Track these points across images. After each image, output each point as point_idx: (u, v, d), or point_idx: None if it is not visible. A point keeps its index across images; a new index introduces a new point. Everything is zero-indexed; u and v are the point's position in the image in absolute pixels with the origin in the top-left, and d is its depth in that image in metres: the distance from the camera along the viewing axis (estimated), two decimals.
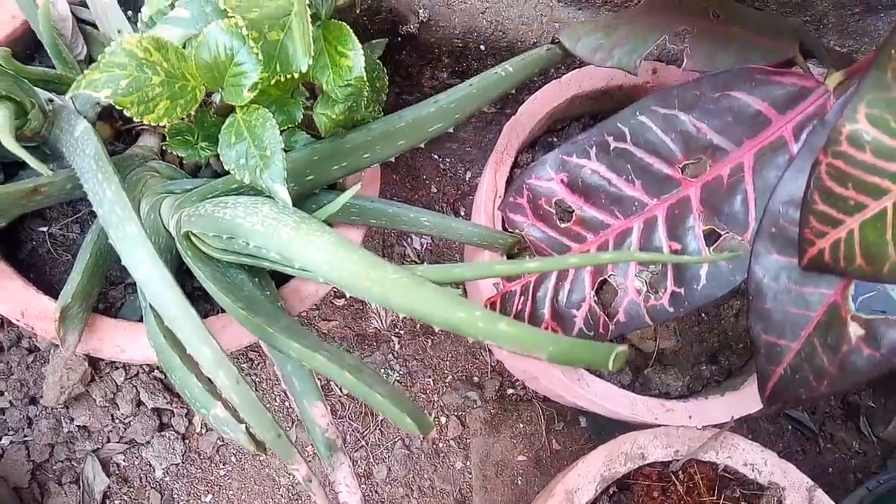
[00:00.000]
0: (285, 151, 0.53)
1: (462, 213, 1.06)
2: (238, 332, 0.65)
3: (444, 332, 0.99)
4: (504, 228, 0.75)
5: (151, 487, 0.89)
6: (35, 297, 0.63)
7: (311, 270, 0.46)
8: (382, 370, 0.98)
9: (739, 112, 0.61)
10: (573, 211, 0.69)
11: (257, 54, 0.52)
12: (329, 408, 0.67)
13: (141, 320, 0.63)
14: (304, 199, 0.66)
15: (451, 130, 0.68)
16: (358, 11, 0.73)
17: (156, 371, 0.90)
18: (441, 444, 0.97)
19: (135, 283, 0.68)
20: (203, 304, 0.69)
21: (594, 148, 0.67)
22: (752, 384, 0.77)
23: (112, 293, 0.69)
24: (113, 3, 0.67)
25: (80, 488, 0.86)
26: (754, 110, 0.60)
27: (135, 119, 0.52)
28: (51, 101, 0.62)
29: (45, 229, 0.69)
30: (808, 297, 0.55)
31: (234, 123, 0.55)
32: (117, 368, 0.88)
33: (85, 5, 0.69)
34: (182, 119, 0.56)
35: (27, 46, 0.72)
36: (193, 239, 0.58)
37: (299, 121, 0.60)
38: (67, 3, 0.68)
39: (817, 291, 0.55)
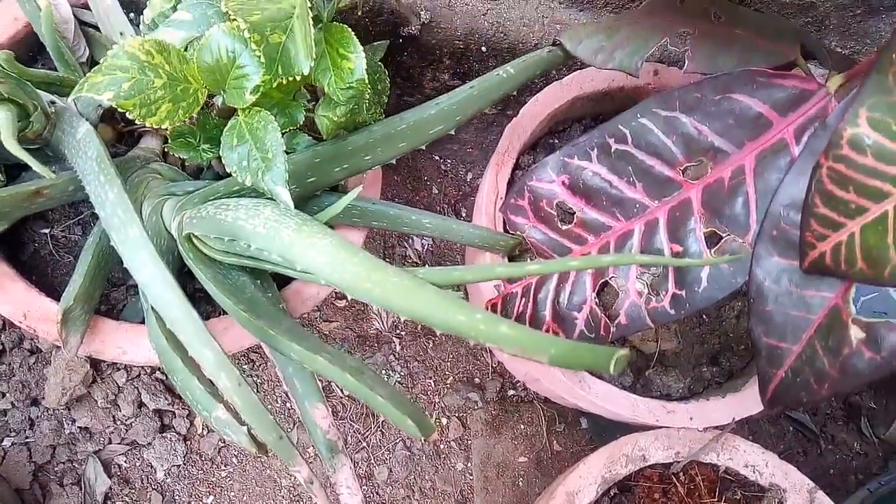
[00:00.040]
0: (287, 153, 0.53)
1: (463, 215, 1.06)
2: (239, 334, 0.65)
3: (446, 333, 1.00)
4: (505, 230, 0.75)
5: (153, 489, 0.89)
6: (37, 299, 0.63)
7: (312, 273, 0.46)
8: (383, 371, 0.98)
9: (741, 114, 0.61)
10: (574, 213, 0.69)
11: (259, 57, 0.52)
12: (330, 409, 0.67)
13: (143, 322, 0.63)
14: (306, 201, 0.67)
15: (452, 132, 0.68)
16: (359, 13, 0.73)
17: (157, 372, 0.90)
18: (442, 446, 0.97)
19: (136, 285, 0.68)
20: (205, 305, 0.69)
21: (595, 150, 0.67)
22: (753, 386, 0.77)
23: (114, 295, 0.69)
24: (115, 5, 0.68)
25: (81, 489, 0.87)
26: (755, 113, 0.60)
27: (137, 121, 0.52)
28: (53, 103, 0.62)
29: (47, 231, 0.69)
30: (809, 300, 0.55)
31: (235, 126, 0.55)
32: (119, 370, 0.88)
33: (87, 8, 0.69)
34: (184, 121, 0.56)
35: (29, 49, 0.72)
36: (195, 241, 0.58)
37: (301, 123, 0.60)
38: (70, 5, 0.68)
39: (818, 294, 0.55)
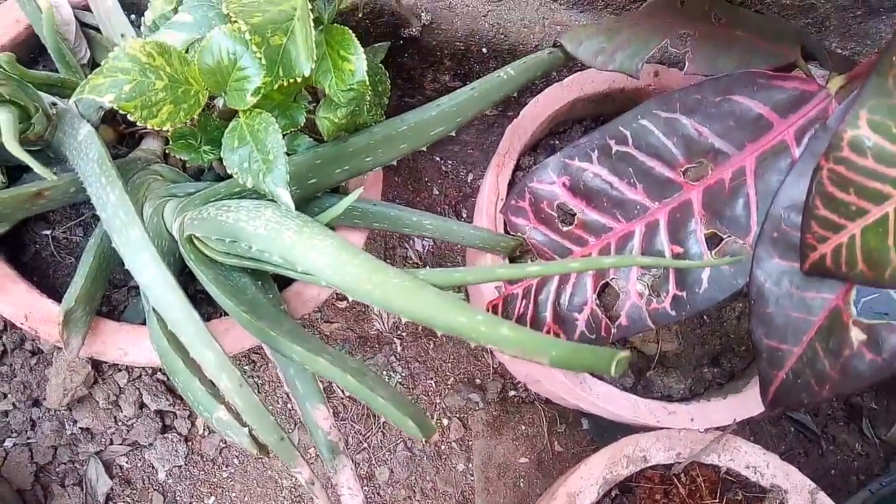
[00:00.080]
0: (288, 155, 0.53)
1: (464, 216, 1.06)
2: (241, 336, 0.65)
3: (447, 334, 1.00)
4: (506, 231, 0.75)
5: (154, 489, 0.89)
6: (39, 301, 0.63)
7: (313, 274, 0.47)
8: (384, 372, 0.98)
9: (741, 116, 0.61)
10: (575, 214, 0.69)
11: (260, 59, 0.52)
12: (331, 410, 0.67)
13: (144, 323, 0.63)
14: (307, 203, 0.67)
15: (453, 133, 0.68)
16: (360, 15, 0.73)
17: (158, 373, 0.90)
18: (443, 446, 0.97)
19: (138, 287, 0.68)
20: (206, 307, 0.69)
21: (596, 151, 0.67)
22: (755, 387, 0.77)
23: (115, 296, 0.69)
24: (116, 7, 0.68)
25: (83, 490, 0.87)
26: (756, 114, 0.60)
27: (138, 123, 0.52)
28: (54, 104, 0.63)
29: (48, 233, 0.69)
30: (809, 302, 0.55)
31: (236, 127, 0.56)
32: (120, 371, 0.89)
33: (88, 9, 0.69)
34: (185, 123, 0.56)
35: (31, 50, 0.72)
36: (196, 242, 0.58)
37: (302, 125, 0.60)
38: (71, 7, 0.68)
39: (819, 296, 0.55)
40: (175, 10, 0.58)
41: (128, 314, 0.68)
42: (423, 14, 0.80)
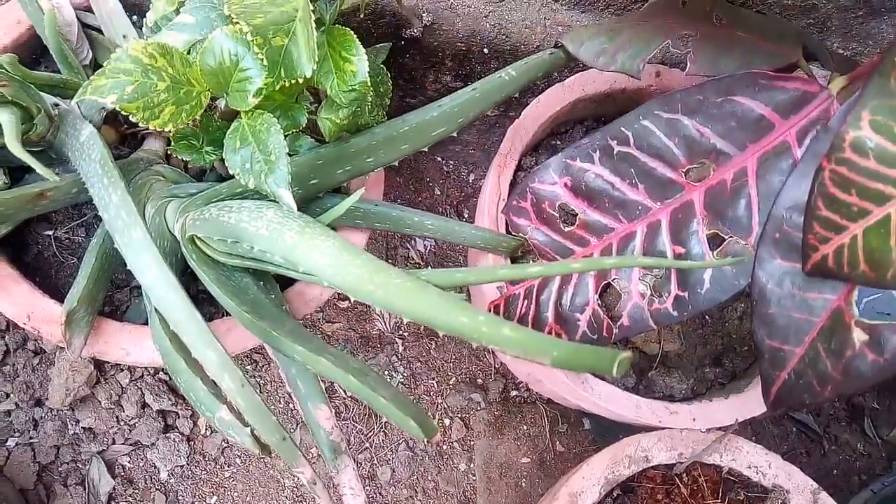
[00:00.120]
0: (290, 156, 0.53)
1: (465, 216, 1.07)
2: (242, 335, 0.65)
3: (448, 335, 1.00)
4: (508, 232, 0.75)
5: (156, 489, 0.89)
6: (41, 301, 0.64)
7: (315, 275, 0.47)
8: (386, 372, 0.98)
9: (743, 116, 0.61)
10: (577, 215, 0.70)
11: (262, 60, 0.52)
12: (333, 410, 0.67)
13: (146, 323, 0.63)
14: (309, 203, 0.67)
15: (454, 133, 0.68)
16: (361, 16, 0.73)
17: (160, 373, 0.90)
18: (445, 446, 0.97)
19: (140, 287, 0.68)
20: (208, 307, 0.69)
21: (598, 152, 0.67)
22: (756, 387, 0.77)
23: (117, 296, 0.69)
24: (118, 8, 0.68)
25: (85, 490, 0.87)
26: (757, 115, 0.60)
27: (140, 124, 0.52)
28: (56, 105, 0.63)
29: (50, 233, 0.70)
30: (811, 303, 0.55)
31: (238, 128, 0.56)
32: (122, 371, 0.89)
33: (90, 10, 0.69)
34: (187, 124, 0.56)
35: (33, 51, 0.72)
36: (198, 242, 0.59)
37: (304, 125, 0.60)
38: (73, 8, 0.69)
39: (821, 297, 0.55)
40: (177, 12, 0.58)
41: (130, 314, 0.69)
42: (424, 15, 0.80)
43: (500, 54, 0.85)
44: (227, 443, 0.92)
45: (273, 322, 0.55)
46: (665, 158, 0.64)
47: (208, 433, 0.91)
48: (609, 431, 0.98)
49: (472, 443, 0.97)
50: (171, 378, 0.85)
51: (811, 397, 0.56)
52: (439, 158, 1.08)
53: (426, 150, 0.68)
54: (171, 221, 0.61)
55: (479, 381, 1.00)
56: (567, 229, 0.70)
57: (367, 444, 0.95)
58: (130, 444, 0.89)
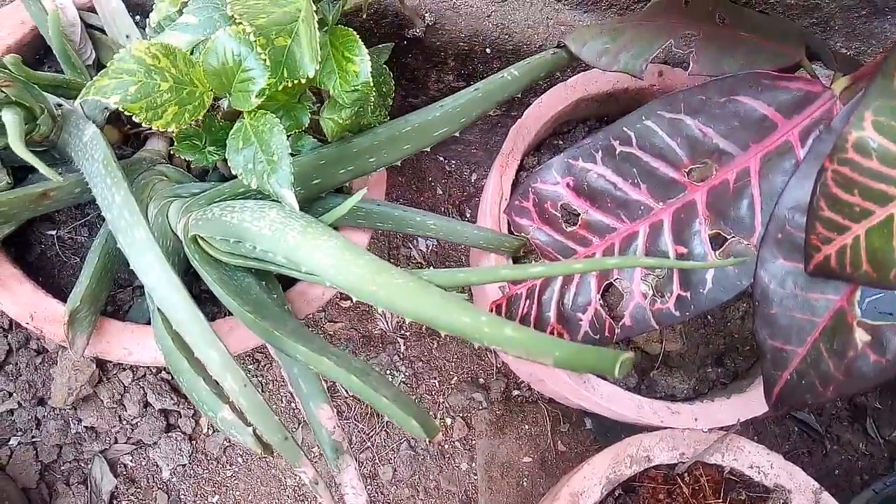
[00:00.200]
0: (292, 156, 0.54)
1: (468, 215, 1.07)
2: (245, 335, 0.65)
3: (450, 334, 1.00)
4: (510, 231, 0.75)
5: (158, 488, 0.89)
6: (44, 301, 0.64)
7: (317, 275, 0.47)
8: (388, 371, 0.98)
9: (745, 117, 0.61)
10: (579, 215, 0.70)
11: (265, 60, 0.52)
12: (335, 409, 0.67)
13: (149, 323, 0.63)
14: (311, 203, 0.67)
15: (456, 133, 0.68)
16: (364, 16, 0.73)
17: (163, 372, 0.90)
18: (446, 446, 0.97)
19: (143, 286, 0.68)
20: (210, 306, 0.69)
21: (600, 152, 0.67)
22: (758, 387, 0.77)
23: (120, 296, 0.69)
24: (121, 8, 0.68)
25: (87, 489, 0.87)
26: (760, 115, 0.60)
27: (143, 124, 0.52)
28: (60, 105, 0.63)
29: (53, 233, 0.70)
30: (814, 303, 0.55)
31: (241, 128, 0.56)
32: (125, 370, 0.89)
33: (93, 11, 0.69)
34: (190, 124, 0.56)
35: (36, 52, 0.72)
36: (201, 242, 0.59)
37: (306, 125, 0.60)
38: (76, 8, 0.69)
39: (823, 297, 0.55)
40: (180, 12, 0.58)
41: (132, 314, 0.69)
42: (426, 15, 0.80)
43: (502, 54, 0.85)
44: (229, 442, 0.92)
45: (275, 322, 0.55)
46: (667, 158, 0.64)
47: (210, 432, 0.92)
48: (611, 431, 0.98)
49: (474, 442, 0.97)
50: (173, 377, 0.85)
51: (813, 397, 0.56)
52: (441, 158, 1.08)
53: (428, 149, 0.68)
54: (173, 221, 0.61)
55: (481, 380, 1.00)
56: (569, 229, 0.70)
57: (369, 444, 0.95)
58: (133, 444, 0.89)
